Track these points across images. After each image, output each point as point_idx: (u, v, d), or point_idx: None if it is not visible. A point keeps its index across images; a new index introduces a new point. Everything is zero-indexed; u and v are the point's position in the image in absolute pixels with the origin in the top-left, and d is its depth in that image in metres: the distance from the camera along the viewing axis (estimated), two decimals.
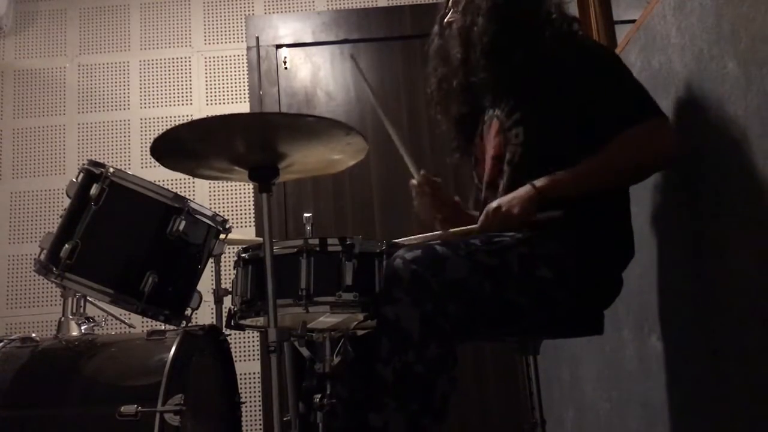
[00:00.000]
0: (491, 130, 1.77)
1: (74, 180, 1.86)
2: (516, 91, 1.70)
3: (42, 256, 1.84)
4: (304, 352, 1.68)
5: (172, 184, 3.28)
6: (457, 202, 1.88)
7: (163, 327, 1.87)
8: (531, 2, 1.72)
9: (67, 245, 1.76)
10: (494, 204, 1.59)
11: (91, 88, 3.68)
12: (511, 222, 1.55)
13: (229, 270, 1.86)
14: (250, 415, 3.27)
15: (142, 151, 3.57)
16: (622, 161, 1.58)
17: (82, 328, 1.95)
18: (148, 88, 3.68)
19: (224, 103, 3.65)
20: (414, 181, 1.84)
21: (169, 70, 3.70)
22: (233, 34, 3.75)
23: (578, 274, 1.56)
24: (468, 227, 1.69)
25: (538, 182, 1.57)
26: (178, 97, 3.67)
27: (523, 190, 1.58)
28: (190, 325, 1.89)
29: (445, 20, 1.82)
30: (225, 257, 2.19)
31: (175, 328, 1.86)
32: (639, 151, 1.57)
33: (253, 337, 3.35)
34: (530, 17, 1.70)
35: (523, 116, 1.67)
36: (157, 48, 3.73)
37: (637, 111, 1.57)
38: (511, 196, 1.59)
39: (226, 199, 3.54)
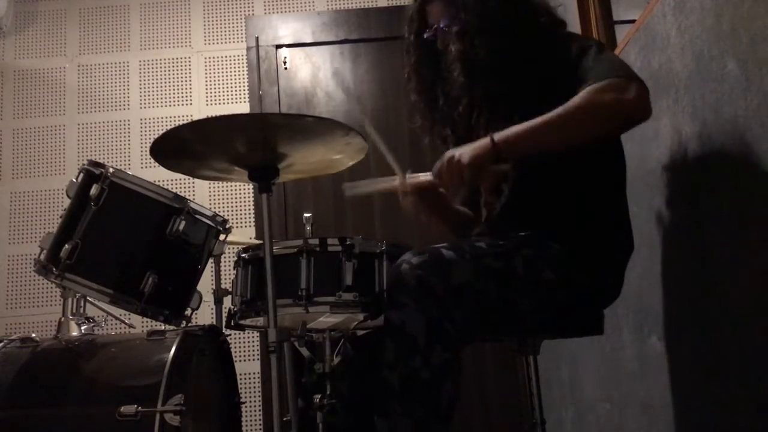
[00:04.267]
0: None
1: (74, 180, 1.86)
2: (508, 106, 1.67)
3: (42, 256, 1.84)
4: (304, 352, 1.68)
5: (172, 184, 3.28)
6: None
7: (163, 327, 1.87)
8: (523, 12, 1.68)
9: (67, 245, 1.76)
10: (449, 153, 1.54)
11: (91, 88, 3.68)
12: (461, 170, 1.50)
13: (229, 270, 1.86)
14: (250, 415, 3.27)
15: (141, 151, 3.57)
16: (582, 110, 1.49)
17: (82, 328, 1.95)
18: (148, 88, 3.68)
19: (224, 104, 3.65)
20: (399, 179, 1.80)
21: (169, 70, 3.70)
22: (233, 35, 3.75)
23: (580, 274, 1.56)
24: (424, 177, 1.64)
25: (497, 135, 1.52)
26: (178, 97, 3.67)
27: (480, 141, 1.53)
28: (190, 325, 1.89)
29: (426, 35, 1.78)
30: (225, 257, 2.19)
31: (175, 328, 1.86)
32: (601, 100, 1.48)
33: (253, 337, 3.35)
34: (524, 27, 1.66)
35: (521, 118, 1.66)
36: (157, 48, 3.73)
37: (611, 71, 1.52)
38: (467, 145, 1.55)
39: (226, 199, 3.54)
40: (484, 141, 1.52)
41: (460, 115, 1.72)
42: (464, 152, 1.51)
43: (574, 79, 1.56)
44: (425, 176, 1.63)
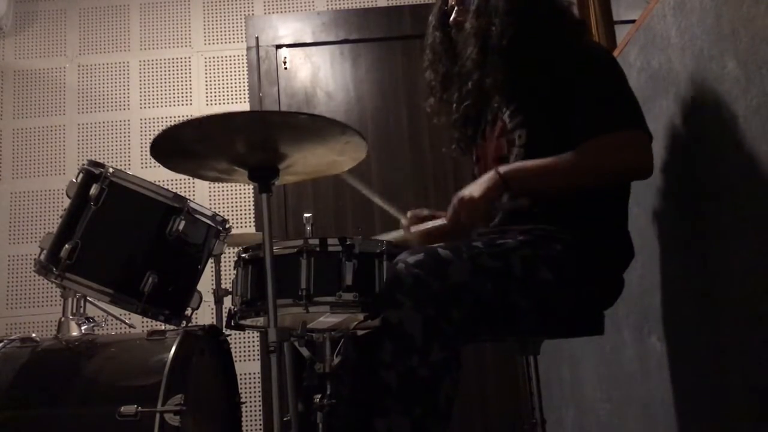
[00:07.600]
0: (495, 130, 1.76)
1: (74, 180, 1.86)
2: (521, 93, 1.69)
3: (42, 256, 1.84)
4: (304, 352, 1.68)
5: (172, 184, 3.28)
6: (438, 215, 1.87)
7: (163, 327, 1.87)
8: (546, 6, 1.71)
9: (67, 245, 1.76)
10: (458, 195, 1.58)
11: (91, 88, 3.68)
12: (476, 208, 1.54)
13: (229, 270, 1.86)
14: (250, 415, 3.27)
15: (142, 151, 3.57)
16: (591, 164, 1.56)
17: (82, 328, 1.95)
18: (148, 88, 3.68)
19: (224, 104, 3.65)
20: (403, 222, 1.84)
21: (169, 70, 3.70)
22: (233, 35, 3.75)
23: (578, 275, 1.56)
24: (435, 223, 1.69)
25: (503, 168, 1.57)
26: (178, 97, 3.67)
27: (487, 175, 1.58)
28: (190, 325, 1.90)
29: (452, 19, 1.81)
30: (225, 257, 2.19)
31: (175, 328, 1.86)
32: (610, 158, 1.56)
33: (253, 337, 3.35)
34: (546, 21, 1.68)
35: (526, 119, 1.67)
36: (157, 48, 3.73)
37: (620, 119, 1.56)
38: (475, 182, 1.59)
39: (226, 199, 3.54)
40: (491, 175, 1.57)
41: (469, 91, 1.76)
42: (474, 190, 1.56)
43: (578, 92, 1.59)
44: (433, 223, 1.69)
